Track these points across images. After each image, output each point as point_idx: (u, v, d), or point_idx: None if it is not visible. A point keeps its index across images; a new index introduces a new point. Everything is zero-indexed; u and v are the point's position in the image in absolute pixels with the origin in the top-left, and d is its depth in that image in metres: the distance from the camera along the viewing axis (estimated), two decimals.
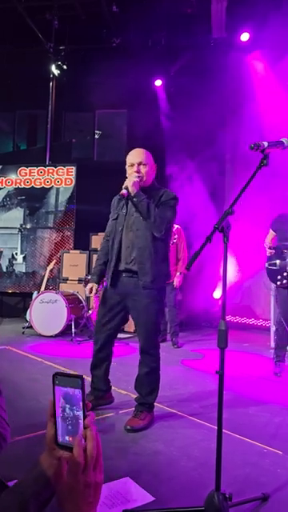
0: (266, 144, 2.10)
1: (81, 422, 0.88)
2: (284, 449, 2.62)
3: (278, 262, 4.42)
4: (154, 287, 2.92)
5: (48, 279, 6.51)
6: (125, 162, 3.10)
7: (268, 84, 6.64)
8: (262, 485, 2.20)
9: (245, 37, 6.61)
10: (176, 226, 5.84)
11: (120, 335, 6.36)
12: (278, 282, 4.40)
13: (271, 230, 4.47)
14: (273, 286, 5.07)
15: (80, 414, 0.88)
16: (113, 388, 3.37)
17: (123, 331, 6.66)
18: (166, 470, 2.39)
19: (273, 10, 6.01)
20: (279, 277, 4.39)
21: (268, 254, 4.42)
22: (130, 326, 6.71)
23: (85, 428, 0.87)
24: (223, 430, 1.95)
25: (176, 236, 5.72)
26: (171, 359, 4.98)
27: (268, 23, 6.16)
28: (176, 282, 5.74)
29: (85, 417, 0.88)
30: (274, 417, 3.17)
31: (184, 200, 6.65)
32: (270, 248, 4.43)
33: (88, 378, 3.30)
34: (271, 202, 5.85)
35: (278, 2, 5.85)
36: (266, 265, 4.54)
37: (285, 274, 4.35)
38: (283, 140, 2.16)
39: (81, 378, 0.88)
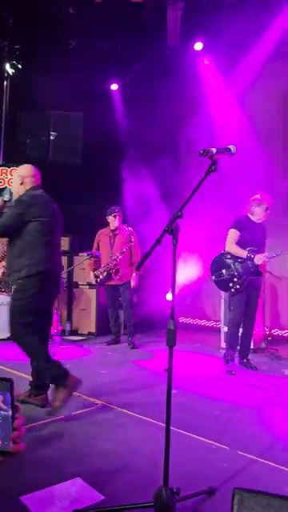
0: (214, 150, 2.19)
1: (10, 425, 0.89)
2: (231, 444, 2.72)
3: (224, 271, 4.51)
4: (7, 281, 3.38)
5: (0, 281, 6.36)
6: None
7: (219, 90, 6.86)
8: (209, 479, 2.28)
9: (198, 46, 6.79)
10: (129, 228, 5.90)
11: (74, 337, 6.35)
12: (233, 290, 4.47)
13: (235, 230, 4.53)
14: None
15: (9, 417, 0.89)
16: None
17: (76, 333, 6.64)
18: (116, 468, 2.42)
19: (226, 21, 6.21)
20: (231, 284, 4.48)
21: (245, 255, 4.45)
22: (84, 327, 6.70)
23: (14, 430, 0.89)
24: (173, 428, 2.02)
25: (133, 238, 5.76)
26: (123, 360, 5.02)
27: (221, 33, 6.38)
28: (132, 282, 5.80)
29: (13, 419, 0.89)
30: (223, 414, 3.28)
31: (139, 200, 6.76)
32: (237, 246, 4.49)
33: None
34: (224, 204, 6.04)
35: (231, 13, 6.05)
36: (213, 278, 4.58)
37: (235, 279, 4.46)
38: (230, 147, 2.26)
39: (10, 381, 0.89)
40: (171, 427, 1.99)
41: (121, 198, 7.19)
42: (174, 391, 2.01)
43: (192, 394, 3.76)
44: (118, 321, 6.14)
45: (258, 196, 4.60)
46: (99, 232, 6.06)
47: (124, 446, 2.69)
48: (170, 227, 1.98)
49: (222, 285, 4.54)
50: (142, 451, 2.62)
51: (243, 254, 4.44)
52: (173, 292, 2.02)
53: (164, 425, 1.99)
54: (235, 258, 4.50)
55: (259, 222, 4.61)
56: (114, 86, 7.87)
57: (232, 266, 4.48)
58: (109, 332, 6.19)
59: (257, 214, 4.58)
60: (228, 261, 4.53)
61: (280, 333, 6.39)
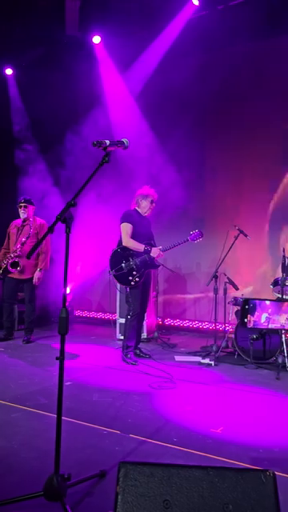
0: (107, 142, 2.24)
1: None
2: (122, 428, 2.82)
3: (123, 265, 4.57)
4: None
5: None
6: None
7: (117, 84, 6.93)
8: (101, 463, 2.33)
9: (96, 39, 6.77)
10: (40, 221, 5.70)
11: None
12: (132, 283, 4.52)
13: (128, 224, 4.57)
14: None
15: None
16: None
17: None
18: (8, 464, 2.36)
19: (123, 18, 6.29)
20: (130, 277, 4.54)
21: (141, 249, 4.52)
22: None
23: None
24: (66, 418, 2.03)
25: (31, 231, 5.55)
26: (17, 355, 4.87)
27: (119, 30, 6.44)
28: (35, 278, 5.55)
29: None
30: (115, 401, 3.37)
31: (35, 190, 6.57)
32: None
33: None
34: (119, 197, 6.13)
35: (127, 10, 6.13)
36: (112, 272, 4.61)
37: (134, 273, 4.55)
38: (123, 140, 2.33)
39: None
40: (64, 418, 2.00)
41: (16, 187, 6.92)
42: (67, 383, 2.02)
43: (86, 384, 3.78)
44: (12, 316, 5.91)
45: (144, 189, 4.76)
46: (12, 223, 5.81)
47: (15, 441, 2.63)
48: (63, 215, 1.98)
49: (122, 278, 4.59)
50: (34, 444, 2.59)
51: (140, 247, 4.56)
52: (65, 280, 2.02)
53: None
54: (132, 251, 4.59)
55: (145, 214, 4.79)
56: (9, 71, 7.52)
57: (130, 259, 4.56)
58: (1, 328, 5.94)
59: (143, 207, 4.75)
60: (126, 255, 4.59)
61: (172, 322, 6.72)
